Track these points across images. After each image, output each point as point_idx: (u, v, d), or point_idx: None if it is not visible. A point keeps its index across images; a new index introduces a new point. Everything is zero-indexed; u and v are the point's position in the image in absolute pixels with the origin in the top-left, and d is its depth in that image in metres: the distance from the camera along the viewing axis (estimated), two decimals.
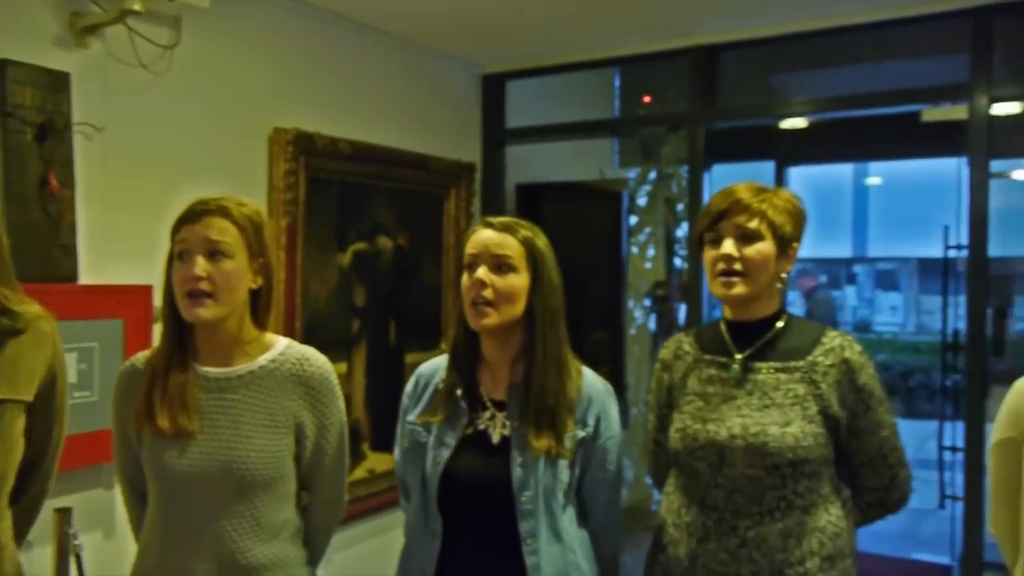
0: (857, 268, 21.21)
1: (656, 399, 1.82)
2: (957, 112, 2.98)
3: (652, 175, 4.78)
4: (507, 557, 1.60)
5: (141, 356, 1.67)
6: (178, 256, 1.56)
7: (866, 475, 1.68)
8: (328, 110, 3.04)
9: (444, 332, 3.53)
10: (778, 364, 1.66)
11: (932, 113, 3.07)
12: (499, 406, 1.67)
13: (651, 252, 4.95)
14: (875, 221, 19.76)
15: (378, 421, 3.23)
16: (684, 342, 1.80)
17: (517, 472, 1.60)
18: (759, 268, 1.63)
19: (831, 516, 1.62)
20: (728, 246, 1.62)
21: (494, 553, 1.62)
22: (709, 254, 1.67)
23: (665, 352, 1.82)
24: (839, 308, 19.51)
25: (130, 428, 1.62)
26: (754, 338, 1.69)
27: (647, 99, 4.59)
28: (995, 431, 1.65)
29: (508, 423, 1.65)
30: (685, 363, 1.76)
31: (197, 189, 1.70)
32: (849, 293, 21.16)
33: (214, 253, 1.54)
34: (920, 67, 3.71)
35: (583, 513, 1.72)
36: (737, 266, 1.62)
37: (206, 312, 1.54)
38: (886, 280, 20.47)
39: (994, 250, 2.97)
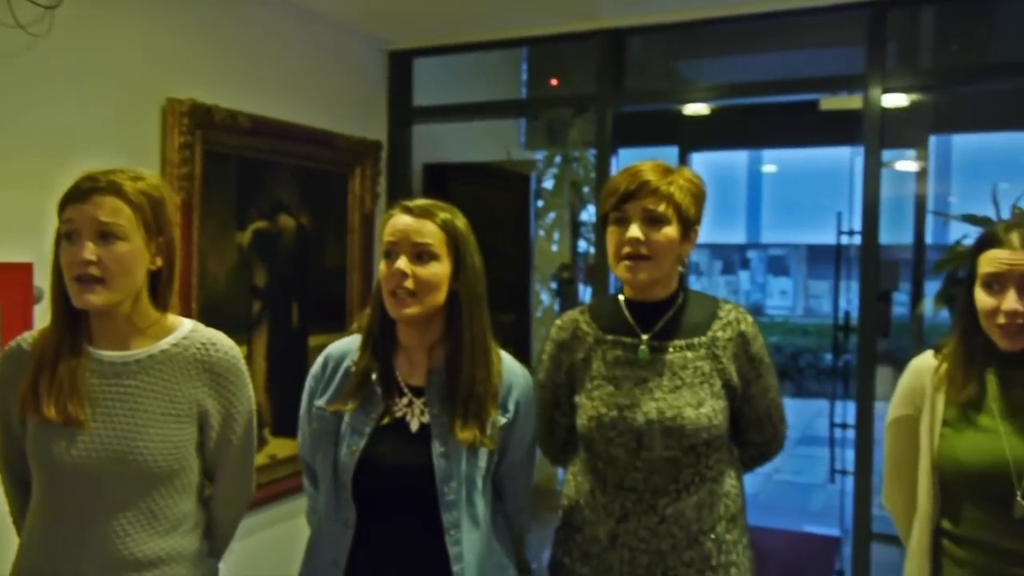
0: (751, 254, 22.00)
1: (551, 378, 1.80)
2: (853, 102, 3.09)
3: (558, 158, 4.78)
4: (425, 546, 1.56)
5: (28, 336, 1.54)
6: (66, 236, 1.44)
7: (752, 432, 1.76)
8: (227, 82, 2.90)
9: (349, 315, 3.45)
10: (683, 342, 1.67)
11: (830, 102, 3.17)
12: (416, 392, 1.63)
13: (557, 235, 4.97)
14: (768, 208, 20.52)
15: (280, 406, 3.12)
16: (580, 321, 1.77)
17: (440, 463, 1.56)
18: (665, 252, 1.63)
19: (732, 479, 1.70)
20: (635, 230, 1.61)
21: (411, 542, 1.58)
22: (614, 236, 1.65)
23: (561, 332, 1.79)
24: (732, 293, 20.22)
25: (13, 415, 1.50)
26: (656, 317, 1.70)
27: (554, 81, 4.58)
28: (892, 409, 1.71)
29: (427, 410, 1.60)
30: (586, 344, 1.74)
31: (82, 162, 1.58)
32: (743, 278, 21.96)
33: (105, 235, 1.42)
34: (819, 57, 3.83)
35: (498, 496, 1.70)
36: (643, 250, 1.61)
37: (97, 299, 1.42)
38: (777, 265, 21.30)
39: (881, 237, 3.10)
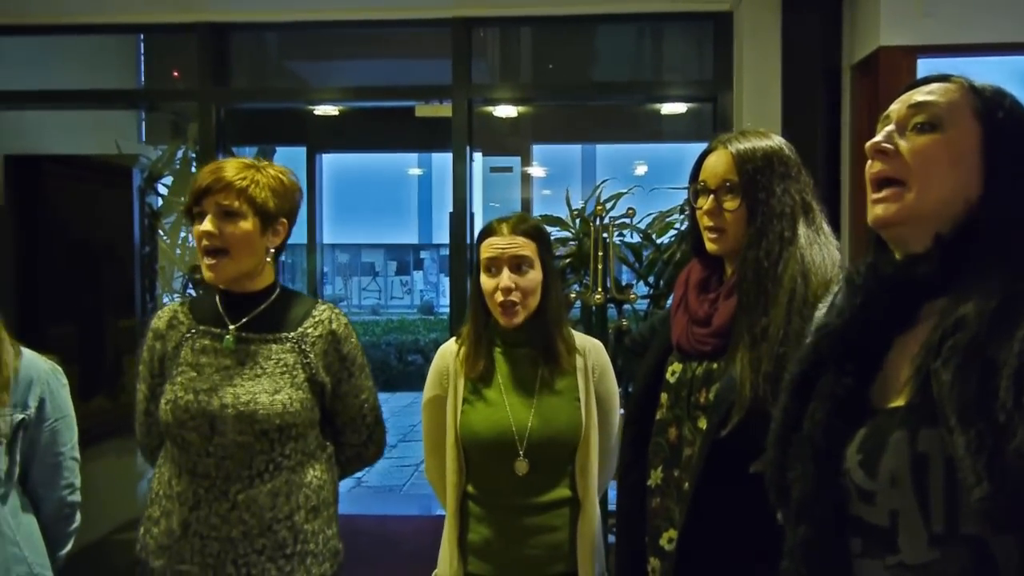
0: (423, 254, 22.83)
1: (148, 370, 1.76)
2: (443, 110, 3.30)
3: (180, 153, 4.54)
4: None
5: None
6: None
7: (347, 433, 1.82)
8: None
9: None
10: (271, 335, 1.71)
11: (424, 109, 3.37)
12: None
13: (184, 235, 4.71)
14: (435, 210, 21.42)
15: None
16: (179, 312, 1.76)
17: None
18: (241, 245, 1.65)
19: (316, 471, 1.72)
20: (208, 224, 1.62)
21: None
22: (195, 230, 1.66)
23: (159, 322, 1.77)
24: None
25: None
26: (248, 310, 1.72)
27: (176, 73, 4.36)
28: (425, 391, 1.87)
29: None
30: (179, 333, 1.73)
31: None
32: (417, 278, 22.73)
33: None
34: (424, 66, 4.05)
35: (34, 501, 1.64)
36: (218, 243, 1.63)
37: None
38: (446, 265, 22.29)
39: None
